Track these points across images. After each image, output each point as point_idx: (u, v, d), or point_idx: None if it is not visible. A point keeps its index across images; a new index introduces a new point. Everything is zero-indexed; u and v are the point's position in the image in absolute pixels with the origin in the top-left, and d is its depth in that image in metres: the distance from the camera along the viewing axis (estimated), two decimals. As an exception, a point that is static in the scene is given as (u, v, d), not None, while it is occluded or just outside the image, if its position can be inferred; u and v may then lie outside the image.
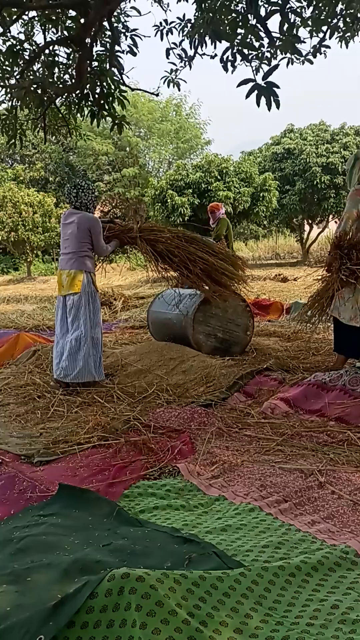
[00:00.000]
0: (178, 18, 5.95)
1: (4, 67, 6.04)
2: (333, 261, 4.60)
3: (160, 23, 6.00)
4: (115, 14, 6.02)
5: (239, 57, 4.97)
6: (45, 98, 6.00)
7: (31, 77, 6.21)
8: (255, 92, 3.95)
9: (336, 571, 1.96)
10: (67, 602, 1.64)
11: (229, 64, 5.04)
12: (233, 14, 4.96)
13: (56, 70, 6.32)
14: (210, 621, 1.62)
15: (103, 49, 6.33)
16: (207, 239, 5.95)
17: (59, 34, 6.09)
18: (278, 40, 4.72)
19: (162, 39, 6.03)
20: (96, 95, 6.23)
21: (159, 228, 5.35)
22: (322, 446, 3.31)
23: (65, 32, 6.03)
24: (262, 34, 4.71)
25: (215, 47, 5.43)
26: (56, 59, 6.28)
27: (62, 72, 6.43)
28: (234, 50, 4.92)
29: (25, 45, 6.13)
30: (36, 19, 6.10)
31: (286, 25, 4.54)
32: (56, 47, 6.17)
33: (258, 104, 4.01)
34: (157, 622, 1.55)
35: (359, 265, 4.44)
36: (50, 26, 6.03)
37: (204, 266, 5.24)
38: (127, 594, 1.62)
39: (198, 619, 1.61)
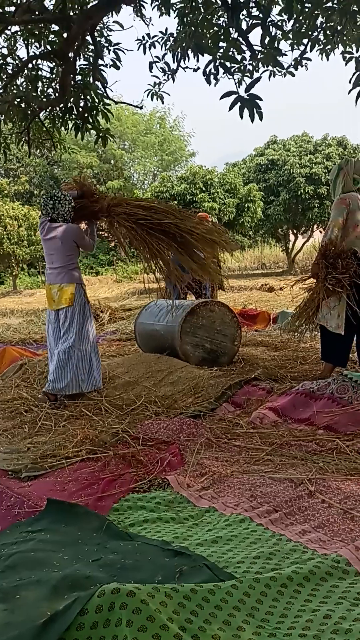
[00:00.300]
0: (160, 32, 6.01)
1: (-13, 81, 6.05)
2: (319, 270, 4.64)
3: (143, 37, 6.05)
4: (98, 28, 6.06)
5: (221, 70, 5.02)
6: (29, 112, 6.01)
7: (15, 91, 6.23)
8: (239, 104, 4.00)
9: (328, 581, 1.95)
10: (57, 619, 1.61)
11: (212, 77, 5.08)
12: (215, 28, 5.02)
13: (40, 84, 6.34)
14: (202, 635, 1.60)
15: (86, 62, 6.37)
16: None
17: (42, 48, 6.12)
18: (260, 53, 4.78)
19: (145, 53, 6.08)
20: (80, 109, 6.25)
21: (128, 204, 4.85)
22: (311, 455, 3.31)
23: (48, 47, 6.05)
24: (244, 47, 4.77)
25: (197, 61, 5.50)
26: (39, 73, 6.31)
27: (46, 85, 6.45)
28: (217, 64, 4.97)
29: (9, 59, 6.15)
30: (19, 33, 6.13)
31: (267, 39, 4.60)
32: (39, 61, 6.20)
33: (241, 115, 4.05)
34: (149, 638, 1.53)
35: (345, 275, 4.49)
36: (33, 40, 6.06)
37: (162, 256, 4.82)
38: (117, 610, 1.60)
39: (190, 633, 1.59)
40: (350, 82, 4.71)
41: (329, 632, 1.67)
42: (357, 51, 5.26)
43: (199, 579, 1.90)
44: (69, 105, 6.24)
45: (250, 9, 4.84)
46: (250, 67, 5.32)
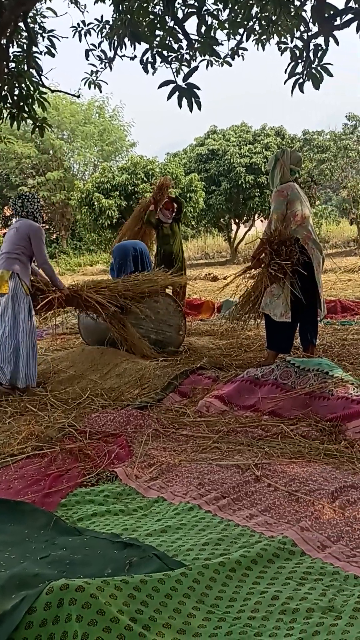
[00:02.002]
0: (96, 19, 5.91)
1: None
2: (263, 257, 4.72)
3: (78, 24, 5.94)
4: (31, 14, 5.91)
5: (158, 59, 5.00)
6: None
7: None
8: (177, 93, 3.99)
9: (275, 562, 2.00)
10: (5, 619, 1.58)
11: (149, 65, 5.06)
12: (151, 16, 4.97)
13: (-29, 71, 6.13)
14: (153, 625, 1.61)
15: (20, 50, 6.21)
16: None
17: (-27, 34, 5.91)
18: (196, 43, 4.78)
19: (80, 40, 5.98)
20: (15, 97, 6.09)
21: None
22: (257, 440, 3.37)
23: (-21, 33, 5.85)
24: (180, 36, 4.76)
25: (134, 49, 5.43)
26: (-29, 60, 6.10)
27: (-22, 73, 6.24)
28: (154, 52, 4.94)
29: None
30: None
31: (204, 28, 4.61)
32: (-30, 47, 5.99)
33: (180, 105, 4.05)
34: (99, 631, 1.53)
35: (288, 261, 4.58)
36: None
37: None
38: (67, 606, 1.58)
39: (141, 624, 1.60)
40: (285, 72, 4.78)
41: (277, 613, 1.71)
42: (291, 41, 5.35)
43: (149, 569, 1.90)
44: (3, 93, 6.06)
45: (186, -2, 4.83)
46: (187, 57, 5.32)
